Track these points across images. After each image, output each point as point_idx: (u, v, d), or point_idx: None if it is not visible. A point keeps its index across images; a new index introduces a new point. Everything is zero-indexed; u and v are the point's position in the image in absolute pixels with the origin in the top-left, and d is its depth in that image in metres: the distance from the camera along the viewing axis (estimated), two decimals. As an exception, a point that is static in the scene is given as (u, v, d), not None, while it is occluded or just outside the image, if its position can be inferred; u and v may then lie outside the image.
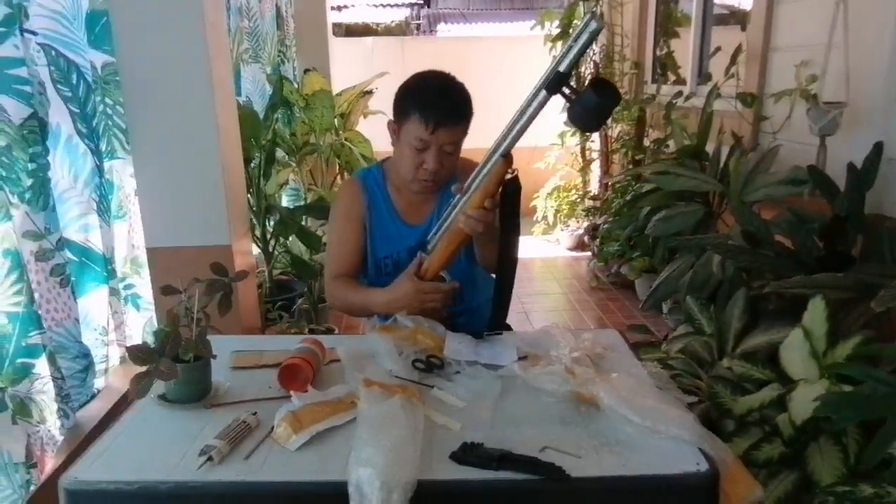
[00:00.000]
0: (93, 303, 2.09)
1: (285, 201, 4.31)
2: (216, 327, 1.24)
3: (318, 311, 3.12)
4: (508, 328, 1.83)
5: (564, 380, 1.20)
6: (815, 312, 1.61)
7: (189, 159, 2.05)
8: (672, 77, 4.49)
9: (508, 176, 1.37)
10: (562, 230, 5.68)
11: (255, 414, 1.14)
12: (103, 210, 2.11)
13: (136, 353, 1.06)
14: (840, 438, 1.45)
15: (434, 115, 1.51)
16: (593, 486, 0.99)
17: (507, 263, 1.47)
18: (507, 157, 1.35)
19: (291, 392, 1.20)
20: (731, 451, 1.05)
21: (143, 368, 1.06)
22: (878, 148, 2.03)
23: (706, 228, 2.76)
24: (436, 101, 1.53)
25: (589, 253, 5.27)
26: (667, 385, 1.28)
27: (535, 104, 1.24)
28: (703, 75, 3.96)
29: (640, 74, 4.93)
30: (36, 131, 1.71)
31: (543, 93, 1.20)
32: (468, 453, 1.04)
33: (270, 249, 3.03)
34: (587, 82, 1.19)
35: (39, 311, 1.72)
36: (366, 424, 1.07)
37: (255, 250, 3.13)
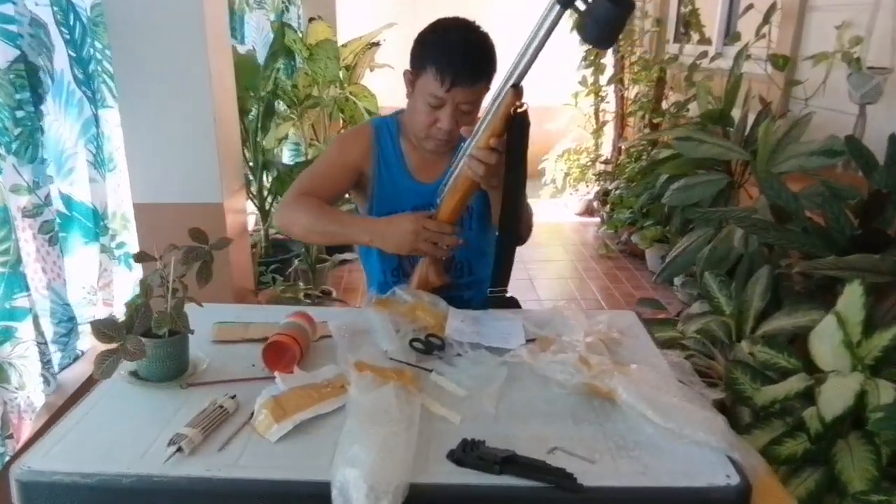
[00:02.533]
0: (82, 260, 1.98)
1: (286, 157, 4.16)
2: (195, 298, 1.12)
3: (316, 273, 3.00)
4: (516, 305, 1.72)
5: (577, 370, 1.08)
6: (852, 298, 1.48)
7: (178, 109, 1.91)
8: (696, 36, 4.26)
9: (520, 110, 1.24)
10: (570, 194, 5.53)
11: (234, 397, 1.03)
12: (99, 163, 1.99)
13: (101, 330, 0.95)
14: (872, 437, 1.34)
15: (451, 73, 1.36)
16: (608, 497, 0.88)
17: (509, 208, 1.35)
18: (516, 89, 1.22)
19: (276, 373, 1.09)
20: (763, 461, 0.93)
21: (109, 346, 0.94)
22: (925, 119, 1.87)
23: (727, 200, 2.61)
24: (454, 58, 1.37)
25: (598, 219, 5.13)
26: (690, 378, 1.16)
27: (547, 23, 1.12)
28: (730, 35, 3.73)
29: (661, 33, 4.70)
30: (23, 76, 1.58)
31: (557, 8, 1.07)
32: (468, 453, 0.92)
33: (267, 207, 2.90)
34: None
35: (25, 271, 1.61)
36: (355, 415, 0.96)
37: (251, 208, 3.00)
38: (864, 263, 1.67)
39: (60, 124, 1.84)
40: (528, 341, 1.27)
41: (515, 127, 1.25)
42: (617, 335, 1.28)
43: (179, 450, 0.90)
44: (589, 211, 5.44)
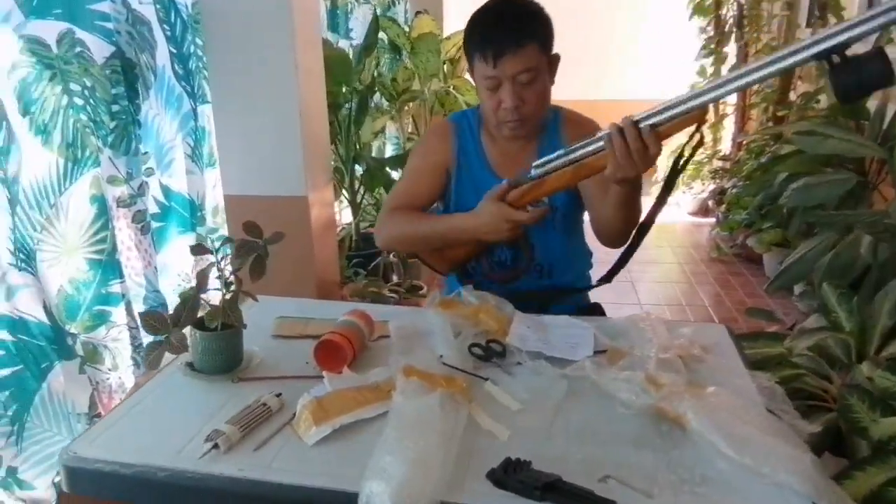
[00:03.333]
0: (177, 249, 2.07)
1: (389, 151, 4.21)
2: (250, 293, 1.11)
3: (407, 267, 3.00)
4: (600, 311, 1.61)
5: (644, 389, 0.97)
6: None
7: (266, 103, 1.94)
8: (832, 20, 3.86)
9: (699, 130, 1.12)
10: (684, 192, 5.21)
11: (279, 395, 1.01)
12: (197, 156, 2.07)
13: (149, 321, 0.96)
14: None
15: (491, 46, 1.29)
16: (662, 539, 0.77)
17: (646, 226, 1.31)
18: (704, 111, 1.08)
19: (324, 373, 1.06)
20: (859, 512, 0.79)
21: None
22: None
23: (857, 202, 2.33)
24: (491, 31, 1.30)
25: (713, 220, 4.80)
26: (781, 406, 1.01)
27: (777, 68, 0.95)
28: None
29: (792, 17, 4.31)
30: (119, 71, 1.66)
31: (807, 56, 0.90)
32: (510, 475, 0.85)
33: (359, 201, 2.92)
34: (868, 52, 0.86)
35: (120, 259, 1.70)
36: (395, 424, 0.91)
37: (344, 202, 3.05)
38: None
39: (161, 118, 1.92)
40: (598, 353, 1.16)
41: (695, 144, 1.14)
42: (698, 351, 1.15)
43: (216, 447, 0.89)
44: (703, 211, 5.11)
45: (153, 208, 1.92)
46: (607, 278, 1.55)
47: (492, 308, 1.29)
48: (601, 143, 1.12)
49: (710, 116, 5.00)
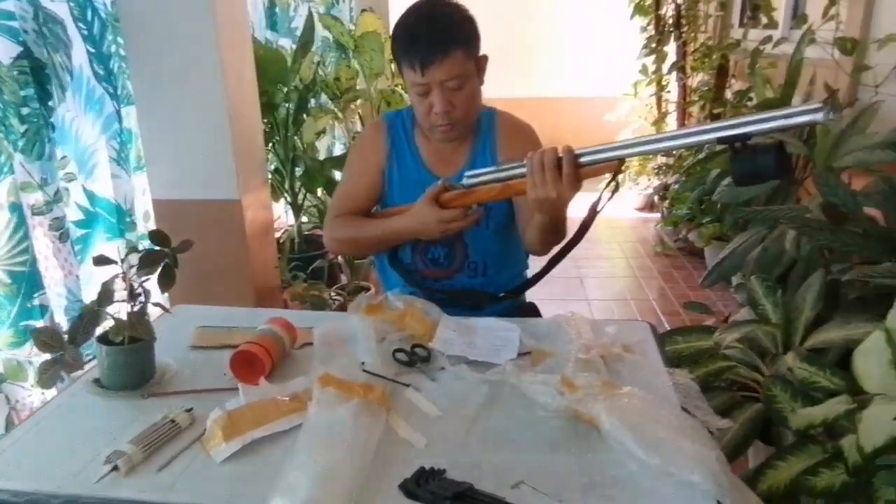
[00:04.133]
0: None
1: (338, 150, 4.16)
2: (161, 304, 1.07)
3: (354, 267, 2.96)
4: (535, 312, 1.61)
5: (560, 391, 0.97)
6: (904, 312, 1.29)
7: (192, 105, 1.89)
8: (764, 20, 3.97)
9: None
10: (630, 188, 5.29)
11: (190, 410, 0.98)
12: (122, 159, 2.00)
13: (40, 338, 0.91)
14: (922, 473, 1.17)
15: (418, 55, 1.29)
16: (569, 545, 0.77)
17: (566, 249, 1.31)
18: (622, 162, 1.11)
19: (239, 385, 1.03)
20: (761, 507, 0.80)
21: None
22: None
23: (784, 197, 2.40)
24: (417, 39, 1.30)
25: (658, 215, 4.89)
26: (695, 402, 1.03)
27: (689, 142, 1.03)
28: (797, 17, 3.46)
29: (726, 17, 4.42)
30: (27, 71, 1.58)
31: (712, 137, 0.97)
32: (421, 485, 0.83)
33: (299, 202, 2.87)
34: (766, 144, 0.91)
35: (39, 269, 1.63)
36: (306, 437, 0.89)
37: (285, 204, 2.99)
38: (926, 271, 1.47)
39: (81, 121, 1.85)
40: (522, 355, 1.16)
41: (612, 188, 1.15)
42: (620, 350, 1.16)
43: (115, 469, 0.85)
44: (649, 206, 5.20)
45: (76, 215, 1.85)
46: (521, 288, 1.55)
47: (418, 312, 1.28)
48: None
49: (654, 113, 5.09)
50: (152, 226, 2.12)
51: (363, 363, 1.11)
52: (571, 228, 1.27)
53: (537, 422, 0.97)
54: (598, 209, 1.17)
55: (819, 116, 0.87)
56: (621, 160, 1.08)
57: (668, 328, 2.84)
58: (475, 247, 1.49)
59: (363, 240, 1.49)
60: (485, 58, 1.39)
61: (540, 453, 0.91)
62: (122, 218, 2.00)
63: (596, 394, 0.96)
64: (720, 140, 0.95)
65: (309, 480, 0.80)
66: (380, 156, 1.50)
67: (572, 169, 1.08)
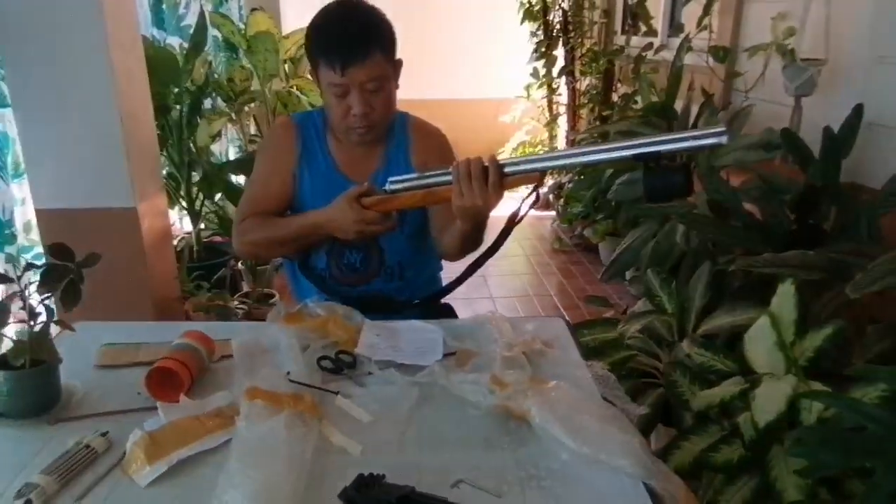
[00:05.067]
0: (-20, 272, 1.82)
1: (232, 153, 4.01)
2: (66, 322, 1.00)
3: (257, 275, 2.87)
4: (451, 313, 1.64)
5: (490, 389, 1.00)
6: (784, 298, 1.43)
7: (80, 108, 1.76)
8: (643, 28, 4.22)
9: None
10: (527, 188, 5.46)
11: (105, 434, 0.92)
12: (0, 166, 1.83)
13: (-66, 366, 0.82)
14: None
15: (339, 55, 1.28)
16: (513, 537, 0.80)
17: (486, 256, 1.36)
18: (543, 175, 1.17)
19: (158, 403, 0.98)
20: (683, 486, 0.86)
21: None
22: (858, 111, 1.84)
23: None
24: (336, 39, 1.30)
25: (553, 213, 5.08)
26: (614, 392, 1.09)
27: (607, 157, 1.08)
28: (674, 26, 3.71)
29: (609, 24, 4.66)
30: None
31: (629, 154, 1.04)
32: (363, 491, 0.83)
33: (197, 208, 2.75)
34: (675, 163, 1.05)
35: None
36: (238, 452, 0.86)
37: (181, 210, 2.85)
38: (798, 260, 1.63)
39: None
40: (447, 356, 1.18)
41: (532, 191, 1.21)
42: (541, 346, 1.21)
43: (28, 503, 0.79)
44: (545, 204, 5.39)
45: None
46: (440, 294, 1.57)
47: (340, 318, 1.27)
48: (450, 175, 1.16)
49: (546, 115, 5.28)
50: (35, 237, 1.97)
51: (288, 373, 1.09)
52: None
53: (470, 420, 1.00)
54: (518, 219, 1.22)
55: (724, 139, 0.97)
56: (543, 172, 1.14)
57: (570, 322, 2.96)
58: (391, 251, 1.50)
59: (279, 238, 1.44)
60: (400, 62, 1.40)
61: (476, 451, 0.93)
62: (1, 230, 1.84)
63: (525, 390, 0.99)
64: (636, 157, 1.02)
65: (247, 498, 0.77)
66: (290, 157, 1.47)
67: (498, 178, 1.12)
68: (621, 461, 0.86)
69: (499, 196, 1.14)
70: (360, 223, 1.28)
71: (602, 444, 0.88)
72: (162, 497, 0.83)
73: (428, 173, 1.23)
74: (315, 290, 1.50)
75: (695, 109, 2.63)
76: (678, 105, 2.77)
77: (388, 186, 1.26)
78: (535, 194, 1.19)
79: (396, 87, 1.40)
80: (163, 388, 1.02)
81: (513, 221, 1.23)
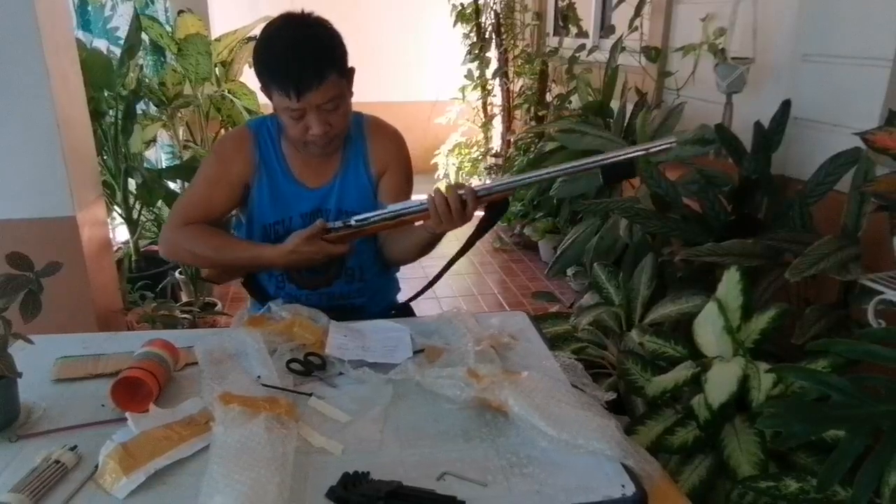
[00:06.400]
0: None
1: (164, 161, 3.88)
2: (22, 334, 0.96)
3: (198, 284, 2.79)
4: (411, 312, 1.65)
5: (466, 383, 1.02)
6: (730, 283, 1.51)
7: (14, 114, 1.68)
8: (574, 29, 4.34)
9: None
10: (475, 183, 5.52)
11: (74, 448, 0.89)
12: None
13: None
14: (755, 420, 1.37)
15: (293, 83, 1.24)
16: (502, 523, 0.81)
17: (456, 256, 1.51)
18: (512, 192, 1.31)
19: (128, 414, 0.95)
20: (658, 465, 0.90)
21: None
22: (786, 106, 1.96)
23: (612, 190, 2.66)
24: (288, 66, 1.25)
25: (492, 212, 5.15)
26: (582, 379, 1.13)
27: (575, 169, 1.24)
28: (606, 28, 3.83)
29: (541, 26, 4.77)
30: None
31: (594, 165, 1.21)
32: (350, 490, 0.83)
33: (135, 217, 2.65)
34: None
35: None
36: (219, 458, 0.85)
37: (118, 219, 2.75)
38: (738, 248, 1.72)
39: None
40: (416, 353, 1.19)
41: (496, 211, 1.34)
42: (508, 339, 1.24)
43: (0, 523, 0.75)
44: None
45: None
46: (410, 301, 1.68)
47: (305, 320, 1.26)
48: (424, 206, 1.24)
49: (482, 116, 5.35)
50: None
51: (259, 377, 1.08)
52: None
53: (446, 414, 1.01)
54: (487, 230, 1.37)
55: (674, 146, 1.18)
56: (512, 190, 1.27)
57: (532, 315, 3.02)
58: (351, 253, 1.49)
59: (218, 261, 1.43)
60: (352, 70, 1.36)
61: (456, 443, 0.95)
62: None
63: (500, 381, 1.01)
64: (602, 169, 1.21)
65: (234, 502, 0.76)
66: (245, 168, 1.42)
67: (475, 205, 1.23)
68: (599, 444, 0.89)
69: (473, 211, 1.24)
70: (321, 254, 1.31)
71: (579, 430, 0.91)
72: (143, 508, 0.81)
73: (396, 209, 1.28)
74: (275, 294, 1.48)
75: (630, 108, 2.74)
76: (614, 104, 2.87)
77: (353, 221, 1.30)
78: (503, 206, 1.32)
79: (351, 94, 1.37)
80: (130, 399, 0.99)
81: (483, 230, 1.38)
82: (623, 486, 0.85)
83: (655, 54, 2.84)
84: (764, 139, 1.98)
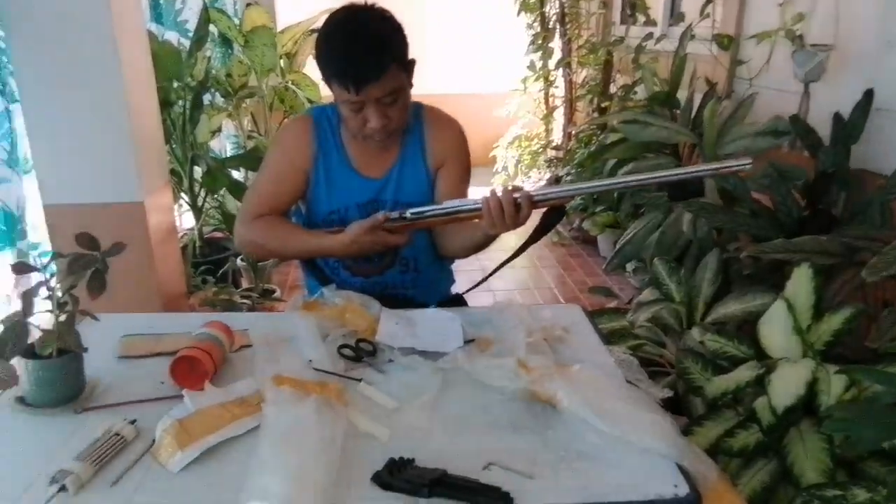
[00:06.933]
0: (-2, 268, 1.81)
1: (228, 150, 3.99)
2: (89, 312, 1.00)
3: (258, 271, 2.86)
4: (463, 302, 1.64)
5: (516, 374, 1.00)
6: (801, 282, 1.44)
7: (88, 102, 1.75)
8: (642, 18, 4.22)
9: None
10: (523, 182, 5.46)
11: (134, 422, 0.92)
12: (13, 161, 1.81)
13: (-36, 355, 0.82)
14: (823, 425, 1.30)
15: (352, 76, 1.24)
16: (547, 517, 0.80)
17: (498, 268, 1.51)
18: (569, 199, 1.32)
19: (184, 391, 0.98)
20: (715, 466, 0.86)
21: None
22: (868, 96, 1.85)
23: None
24: (347, 59, 1.24)
25: (550, 205, 5.07)
26: (637, 375, 1.09)
27: (640, 183, 1.30)
28: (675, 15, 3.71)
29: (607, 15, 4.66)
30: None
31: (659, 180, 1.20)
32: (395, 475, 0.83)
33: (200, 204, 2.74)
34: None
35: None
36: (269, 438, 0.86)
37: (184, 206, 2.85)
38: (811, 245, 1.64)
39: None
40: (467, 342, 1.18)
41: (552, 219, 1.32)
42: (561, 332, 1.21)
43: (63, 489, 0.78)
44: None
45: None
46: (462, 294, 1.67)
47: (357, 307, 1.27)
48: (479, 206, 1.21)
49: (543, 108, 5.28)
50: (43, 234, 1.95)
51: (310, 361, 1.09)
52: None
53: (495, 405, 1.00)
54: (541, 236, 1.34)
55: (748, 167, 1.12)
56: (570, 198, 1.26)
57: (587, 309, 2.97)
58: (408, 245, 1.48)
59: (287, 252, 1.52)
60: (413, 62, 1.35)
61: (503, 434, 0.93)
62: (14, 225, 1.82)
63: (551, 374, 0.99)
64: (663, 184, 1.19)
65: (283, 481, 0.77)
66: (306, 155, 1.43)
67: (529, 210, 1.20)
68: (652, 442, 0.86)
69: (527, 216, 1.21)
70: (380, 245, 1.31)
71: (632, 426, 0.88)
72: (194, 482, 0.83)
73: (451, 205, 1.26)
74: (329, 281, 1.49)
75: (698, 98, 2.64)
76: (681, 95, 2.77)
77: (408, 214, 1.28)
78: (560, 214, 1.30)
79: (411, 87, 1.36)
80: (187, 377, 1.02)
81: (537, 235, 1.35)
82: (676, 485, 0.81)
83: (728, 42, 2.73)
84: (843, 131, 1.88)
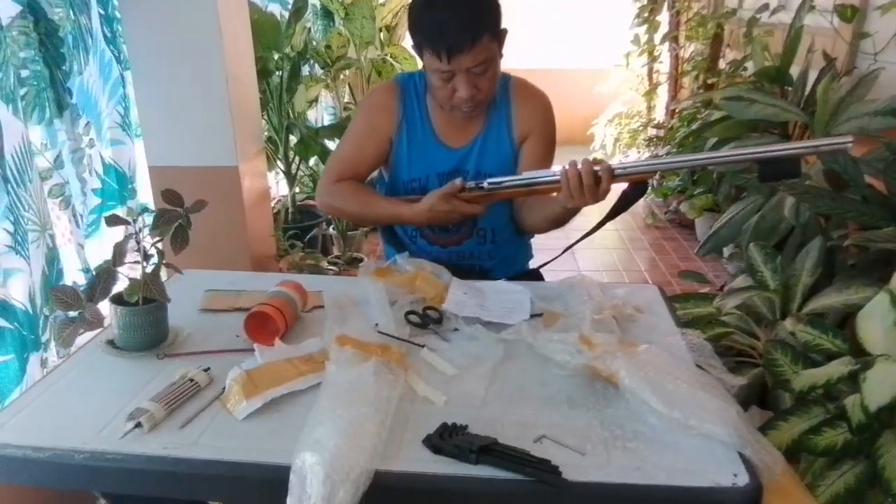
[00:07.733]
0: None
1: (326, 120, 4.11)
2: (173, 265, 1.06)
3: (347, 239, 2.95)
4: (539, 277, 1.62)
5: (578, 349, 0.98)
6: (908, 274, 1.31)
7: (189, 69, 1.85)
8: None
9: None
10: (620, 160, 5.29)
11: (207, 370, 0.98)
12: (126, 125, 1.95)
13: (60, 297, 0.90)
14: (923, 430, 1.19)
15: (444, 44, 1.23)
16: (594, 494, 0.78)
17: (575, 243, 1.49)
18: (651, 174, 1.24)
19: (255, 345, 1.03)
20: (782, 458, 0.81)
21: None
22: None
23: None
24: (442, 29, 1.24)
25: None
26: (709, 360, 1.04)
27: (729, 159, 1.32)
28: (794, -14, 3.44)
29: (721, -14, 4.38)
30: (27, 31, 1.54)
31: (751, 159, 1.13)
32: (446, 440, 0.84)
33: (293, 171, 2.84)
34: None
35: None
36: (327, 394, 0.89)
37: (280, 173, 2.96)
38: (926, 236, 1.49)
39: (95, 84, 1.80)
40: (534, 316, 1.17)
41: (633, 194, 1.27)
42: (632, 311, 1.17)
43: (138, 425, 0.85)
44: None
45: (91, 182, 1.81)
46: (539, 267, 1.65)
47: (428, 275, 1.28)
48: (557, 178, 1.18)
49: (646, 84, 5.07)
50: (149, 194, 2.09)
51: (377, 325, 1.11)
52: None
53: (554, 379, 0.98)
54: (621, 212, 1.31)
55: (849, 146, 1.04)
56: (653, 172, 1.19)
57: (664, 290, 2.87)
58: (485, 215, 1.47)
59: (366, 217, 1.51)
60: (505, 31, 1.33)
61: (559, 409, 0.92)
62: (125, 185, 1.97)
63: (614, 351, 0.96)
64: (757, 161, 1.10)
65: (335, 435, 0.80)
66: (390, 121, 1.45)
67: (609, 184, 1.16)
68: (715, 428, 0.82)
69: (606, 190, 1.17)
70: (455, 213, 1.30)
71: (694, 410, 0.85)
72: (256, 429, 0.87)
73: (529, 176, 1.24)
74: (409, 244, 1.52)
75: (813, 75, 2.44)
76: (794, 70, 2.57)
77: (486, 184, 1.27)
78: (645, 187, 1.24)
79: (501, 57, 1.34)
80: (259, 332, 1.07)
81: (620, 210, 1.30)
82: (735, 475, 0.77)
83: (851, 13, 2.49)
84: (976, 111, 1.68)
